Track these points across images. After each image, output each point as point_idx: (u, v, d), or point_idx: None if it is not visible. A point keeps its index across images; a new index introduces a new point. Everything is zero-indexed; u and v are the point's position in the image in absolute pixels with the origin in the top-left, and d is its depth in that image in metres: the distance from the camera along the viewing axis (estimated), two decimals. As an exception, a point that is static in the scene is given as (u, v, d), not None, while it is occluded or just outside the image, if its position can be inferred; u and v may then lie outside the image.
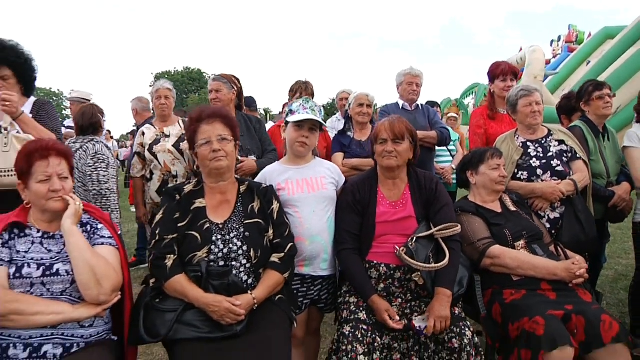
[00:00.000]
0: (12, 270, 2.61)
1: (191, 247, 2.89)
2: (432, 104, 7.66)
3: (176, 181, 5.24)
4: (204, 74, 66.33)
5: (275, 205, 3.18)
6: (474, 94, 11.35)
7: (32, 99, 4.00)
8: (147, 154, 5.34)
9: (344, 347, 2.98)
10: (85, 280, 2.59)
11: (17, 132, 3.58)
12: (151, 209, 5.41)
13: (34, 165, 2.73)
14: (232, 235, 2.96)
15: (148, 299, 2.87)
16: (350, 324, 3.09)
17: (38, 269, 2.63)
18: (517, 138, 4.33)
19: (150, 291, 2.91)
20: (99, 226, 2.91)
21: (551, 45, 15.93)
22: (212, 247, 2.90)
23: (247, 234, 2.97)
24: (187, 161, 5.27)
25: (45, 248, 2.74)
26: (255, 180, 3.48)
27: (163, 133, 5.41)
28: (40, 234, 2.77)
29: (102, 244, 2.83)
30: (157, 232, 2.92)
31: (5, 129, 3.55)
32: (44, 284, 2.63)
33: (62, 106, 60.12)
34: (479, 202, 3.82)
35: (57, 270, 2.66)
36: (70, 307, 2.62)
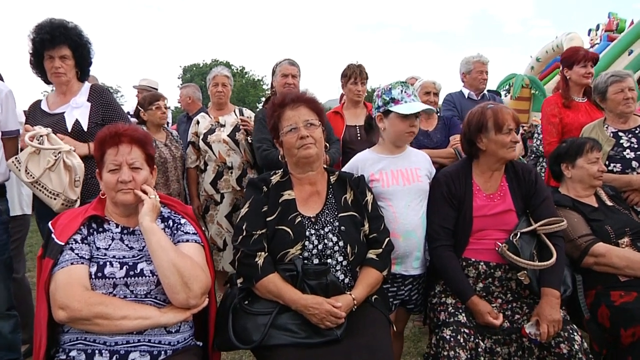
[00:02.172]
0: (94, 269, 2.34)
1: (283, 244, 2.60)
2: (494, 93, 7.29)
3: (231, 173, 4.97)
4: (232, 67, 64.97)
5: (369, 197, 2.88)
6: (510, 85, 10.86)
7: (87, 84, 3.72)
8: (201, 143, 5.06)
9: (445, 353, 2.68)
10: (172, 283, 2.30)
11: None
12: (204, 201, 5.14)
13: (105, 152, 2.47)
14: (326, 229, 2.67)
15: (236, 300, 2.59)
16: (450, 327, 2.79)
17: (121, 268, 2.37)
18: (607, 128, 4.00)
19: (238, 292, 2.63)
20: (182, 221, 2.63)
21: (589, 34, 15.43)
22: (306, 243, 2.61)
23: (342, 228, 2.68)
24: (242, 152, 5.00)
25: (127, 245, 2.48)
26: (345, 169, 3.19)
27: (218, 122, 5.14)
28: (119, 230, 2.50)
29: (187, 240, 2.54)
30: (243, 227, 2.63)
31: (59, 152, 3.27)
32: (128, 285, 2.36)
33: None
34: (572, 196, 3.50)
35: (142, 270, 2.39)
36: (158, 312, 2.33)
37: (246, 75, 64.12)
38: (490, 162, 3.12)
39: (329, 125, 4.56)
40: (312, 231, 2.65)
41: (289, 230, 2.62)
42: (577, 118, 4.54)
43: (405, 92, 3.08)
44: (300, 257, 2.58)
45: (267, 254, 2.59)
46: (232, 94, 5.46)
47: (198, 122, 5.20)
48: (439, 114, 4.93)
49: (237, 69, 62.76)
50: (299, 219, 2.67)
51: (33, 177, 3.21)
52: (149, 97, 5.16)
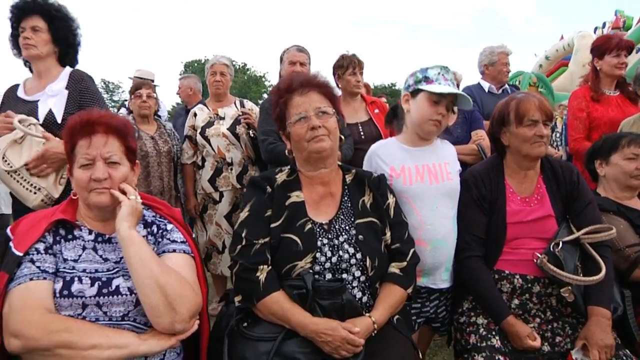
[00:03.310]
0: (59, 285, 1.89)
1: (290, 255, 2.15)
2: (514, 87, 6.81)
3: (231, 169, 4.51)
4: (234, 63, 64.45)
5: (392, 200, 2.42)
6: (517, 82, 10.48)
7: (68, 69, 3.21)
8: (199, 137, 4.60)
9: (477, 384, 2.25)
10: (154, 304, 1.85)
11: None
12: (202, 200, 4.68)
13: (76, 144, 2.02)
14: (341, 239, 2.22)
15: (233, 322, 2.14)
16: (483, 354, 2.37)
17: (92, 284, 1.92)
18: None
19: (236, 312, 2.18)
20: (169, 227, 2.17)
21: (595, 32, 14.93)
22: (318, 254, 2.16)
23: (360, 237, 2.23)
24: (243, 147, 4.54)
25: (100, 256, 2.02)
26: (365, 160, 2.77)
27: (217, 115, 4.67)
28: (93, 237, 2.05)
29: (174, 250, 2.09)
30: (243, 234, 2.18)
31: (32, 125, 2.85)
32: (100, 306, 1.91)
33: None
34: (612, 199, 3.04)
35: (117, 287, 1.94)
36: (137, 339, 1.87)
37: (248, 72, 63.72)
38: (517, 160, 2.68)
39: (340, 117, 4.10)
40: (325, 240, 2.20)
41: (297, 239, 2.17)
42: (607, 112, 4.15)
43: (442, 75, 2.62)
44: (311, 271, 2.13)
45: (270, 267, 2.14)
46: (234, 90, 4.98)
47: (195, 115, 4.74)
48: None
49: (239, 66, 62.37)
50: (309, 225, 2.22)
51: (11, 167, 2.75)
52: (133, 86, 4.76)
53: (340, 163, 2.48)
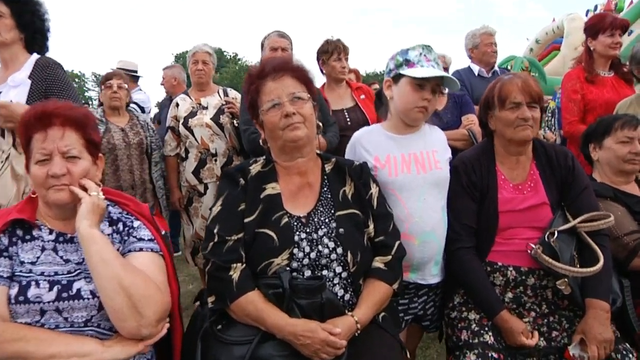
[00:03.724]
0: (14, 290, 1.73)
1: (265, 252, 1.99)
2: (505, 70, 6.65)
3: (215, 160, 4.34)
4: (225, 53, 64.34)
5: (374, 190, 2.25)
6: (509, 67, 10.31)
7: (35, 57, 2.96)
8: (181, 128, 4.41)
9: (469, 383, 2.11)
10: (118, 307, 1.70)
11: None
12: (187, 192, 4.51)
13: (32, 138, 1.86)
14: (320, 233, 2.06)
15: (207, 324, 1.98)
16: (475, 351, 2.21)
17: (51, 288, 1.76)
18: None
19: (209, 313, 2.01)
20: (136, 224, 2.00)
21: (587, 15, 14.67)
22: (295, 250, 2.00)
23: (341, 230, 2.06)
24: (228, 137, 4.36)
25: (61, 257, 1.86)
26: (347, 150, 2.59)
27: (200, 104, 4.47)
28: (53, 237, 1.89)
29: (141, 249, 1.92)
30: (215, 230, 2.01)
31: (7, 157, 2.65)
32: (60, 311, 1.76)
33: (84, 88, 59.21)
34: (609, 184, 2.88)
35: (79, 290, 1.79)
36: (100, 346, 1.73)
37: (239, 62, 63.26)
38: (505, 145, 2.53)
39: (323, 103, 3.92)
40: (303, 235, 2.04)
41: (272, 234, 2.01)
42: (602, 94, 3.97)
43: (424, 55, 2.44)
44: (288, 268, 1.97)
45: (244, 265, 1.98)
46: (225, 81, 4.78)
47: (178, 105, 4.54)
48: (448, 92, 4.29)
49: (230, 56, 61.94)
50: (286, 219, 2.05)
51: None
52: (103, 76, 4.53)
53: (319, 151, 2.31)
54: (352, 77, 6.22)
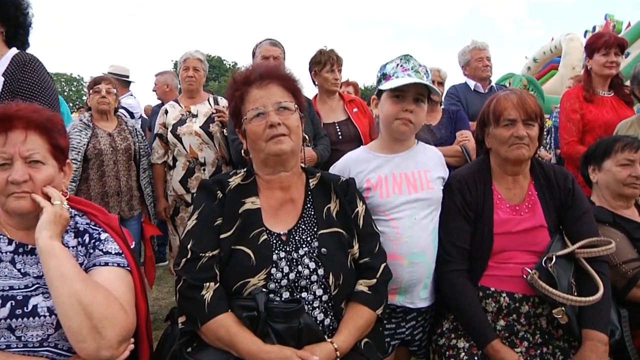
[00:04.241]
0: None
1: (241, 270, 1.83)
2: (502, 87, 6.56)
3: (204, 170, 4.19)
4: (224, 62, 65.12)
5: (361, 208, 2.10)
6: (508, 84, 10.25)
7: (13, 51, 2.70)
8: (170, 136, 4.27)
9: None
10: (76, 327, 1.54)
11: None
12: (174, 202, 4.36)
13: None
14: (301, 252, 1.91)
15: (177, 347, 1.82)
16: (464, 382, 2.05)
17: (4, 304, 1.61)
18: None
19: (179, 334, 1.85)
20: (102, 236, 1.85)
21: (585, 36, 14.70)
22: (273, 270, 1.84)
23: (323, 250, 1.91)
24: (217, 146, 4.21)
25: (19, 270, 1.71)
26: (332, 171, 2.40)
27: (190, 112, 4.33)
28: (12, 248, 1.73)
29: (106, 264, 1.77)
30: (188, 246, 1.86)
31: None
32: (13, 330, 1.61)
33: (83, 92, 59.01)
34: (608, 208, 2.74)
35: (35, 307, 1.64)
36: None
37: (238, 71, 64.30)
38: (500, 164, 2.40)
39: (314, 114, 3.79)
40: (282, 254, 1.88)
41: (249, 251, 1.86)
42: (601, 114, 3.87)
43: (401, 66, 2.30)
44: (264, 290, 1.81)
45: (218, 285, 1.83)
46: (224, 89, 4.66)
47: (167, 112, 4.40)
48: (442, 107, 4.16)
49: (229, 64, 62.21)
50: (265, 236, 1.90)
51: None
52: (91, 81, 4.39)
53: (303, 165, 2.17)
54: (350, 91, 6.10)
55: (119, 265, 1.79)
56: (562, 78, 12.29)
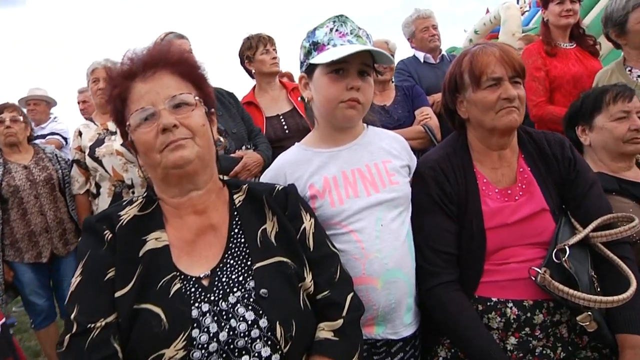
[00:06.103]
0: None
1: (149, 340, 1.23)
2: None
3: (133, 192, 3.55)
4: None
5: (308, 223, 1.52)
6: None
7: None
8: (88, 160, 3.61)
9: None
10: None
11: None
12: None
13: None
14: (232, 299, 1.31)
15: None
16: None
17: None
18: (630, 71, 2.83)
19: None
20: None
21: (517, 3, 14.76)
22: (195, 332, 1.24)
23: (263, 291, 1.32)
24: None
25: None
26: (264, 180, 1.83)
27: (107, 130, 3.67)
28: None
29: None
30: (72, 315, 1.25)
31: None
32: None
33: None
34: (609, 173, 2.25)
35: None
36: None
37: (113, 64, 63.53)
38: (483, 138, 1.87)
39: (242, 109, 3.27)
40: (206, 306, 1.29)
41: (158, 310, 1.26)
42: (568, 68, 3.47)
43: (336, 30, 1.70)
44: None
45: None
46: None
47: (80, 134, 3.73)
48: (394, 83, 3.66)
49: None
50: (178, 285, 1.31)
51: None
52: None
53: (223, 177, 1.58)
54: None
55: None
56: (503, 45, 12.20)
